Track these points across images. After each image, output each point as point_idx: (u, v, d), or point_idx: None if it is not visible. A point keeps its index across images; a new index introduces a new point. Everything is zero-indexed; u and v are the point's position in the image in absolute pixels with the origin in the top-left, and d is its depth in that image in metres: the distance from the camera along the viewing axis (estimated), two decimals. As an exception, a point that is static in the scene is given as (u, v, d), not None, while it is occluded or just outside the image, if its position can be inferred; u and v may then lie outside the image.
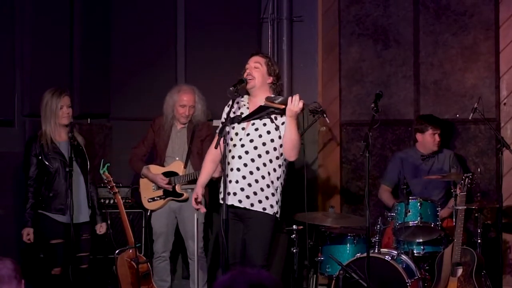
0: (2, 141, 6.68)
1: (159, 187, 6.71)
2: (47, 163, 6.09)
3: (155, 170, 6.74)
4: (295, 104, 5.27)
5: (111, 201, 6.70)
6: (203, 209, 5.62)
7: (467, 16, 7.24)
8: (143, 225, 6.96)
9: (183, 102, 6.66)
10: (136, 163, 6.82)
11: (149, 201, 6.77)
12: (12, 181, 6.59)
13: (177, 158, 6.71)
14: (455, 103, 7.27)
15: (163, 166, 6.74)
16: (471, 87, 7.23)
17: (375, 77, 7.48)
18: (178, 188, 6.69)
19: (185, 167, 6.68)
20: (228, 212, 5.35)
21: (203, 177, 5.64)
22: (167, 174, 6.71)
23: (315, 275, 6.69)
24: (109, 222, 6.37)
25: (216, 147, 5.37)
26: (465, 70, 7.25)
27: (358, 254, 6.15)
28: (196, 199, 5.57)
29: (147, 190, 6.77)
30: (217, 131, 5.58)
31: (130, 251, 6.22)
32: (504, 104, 7.14)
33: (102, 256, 6.65)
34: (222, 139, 5.27)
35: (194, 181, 6.58)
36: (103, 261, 6.67)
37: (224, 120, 5.43)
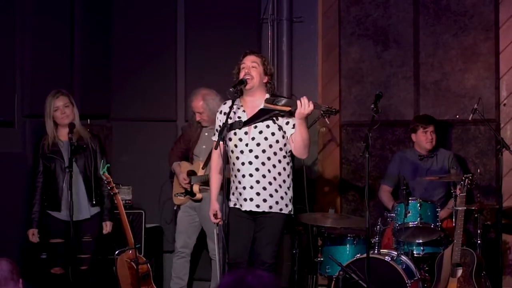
0: (2, 142, 6.68)
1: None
2: (45, 162, 6.15)
3: (185, 167, 6.90)
4: (305, 107, 5.32)
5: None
6: (221, 222, 5.61)
7: (467, 17, 7.24)
8: (143, 226, 6.98)
9: (193, 109, 6.80)
10: (170, 158, 7.00)
11: (175, 196, 6.96)
12: (12, 181, 6.59)
13: (200, 158, 6.80)
14: (455, 104, 7.27)
15: (191, 164, 6.89)
16: (471, 88, 7.23)
17: (375, 77, 7.48)
18: (194, 188, 6.80)
19: (203, 167, 6.75)
20: (240, 213, 5.47)
21: (215, 191, 5.68)
22: (191, 172, 6.85)
23: (314, 276, 6.69)
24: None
25: (216, 148, 5.40)
26: (465, 71, 7.25)
27: (358, 255, 6.15)
28: (215, 215, 5.62)
29: (176, 185, 6.97)
30: (214, 137, 5.60)
31: (130, 252, 6.22)
32: (504, 105, 7.14)
33: (101, 257, 6.65)
34: (222, 141, 5.29)
35: (207, 183, 6.63)
36: (103, 262, 6.67)
37: (224, 122, 5.42)
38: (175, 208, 7.05)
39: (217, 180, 5.66)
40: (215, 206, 5.63)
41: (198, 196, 6.79)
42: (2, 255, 3.82)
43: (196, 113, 6.78)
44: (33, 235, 6.16)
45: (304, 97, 5.37)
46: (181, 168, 6.89)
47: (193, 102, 6.77)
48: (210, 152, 6.69)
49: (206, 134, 6.80)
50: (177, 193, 6.93)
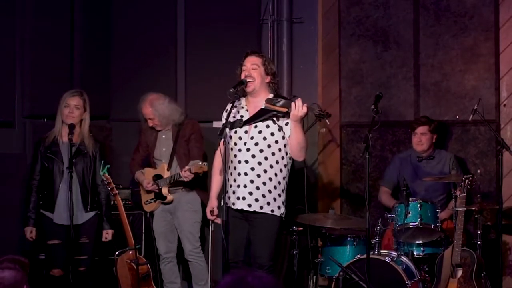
0: (2, 142, 6.68)
1: (150, 190, 6.79)
2: (44, 162, 6.13)
3: (149, 173, 6.82)
4: (299, 109, 5.30)
5: (111, 203, 6.70)
6: (218, 220, 5.58)
7: (467, 17, 7.24)
8: (143, 227, 6.97)
9: (144, 116, 6.72)
10: (132, 167, 6.92)
11: (145, 203, 6.86)
12: (12, 182, 6.59)
13: (163, 161, 6.74)
14: (455, 104, 7.27)
15: (155, 168, 6.81)
16: (471, 88, 7.23)
17: (375, 78, 7.48)
18: (164, 191, 6.73)
19: (168, 169, 6.69)
20: (234, 213, 5.44)
21: (215, 189, 5.66)
22: (157, 176, 6.77)
23: (315, 277, 6.69)
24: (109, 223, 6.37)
25: (216, 148, 5.40)
26: (465, 71, 7.25)
27: (358, 256, 6.15)
28: (211, 211, 5.60)
29: (144, 193, 6.88)
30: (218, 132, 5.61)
31: (130, 252, 6.22)
32: (504, 105, 7.13)
33: (102, 257, 6.64)
34: (222, 140, 5.28)
35: (177, 183, 6.60)
36: (103, 262, 6.67)
37: (224, 122, 5.42)
38: (147, 215, 6.92)
39: (218, 179, 5.63)
40: (213, 203, 5.61)
41: (169, 198, 6.71)
42: (1, 256, 3.81)
43: (148, 119, 6.70)
44: (31, 232, 6.13)
45: (299, 99, 5.35)
46: (145, 174, 6.81)
47: (142, 109, 6.69)
48: (171, 154, 6.68)
49: (164, 136, 6.75)
50: (147, 200, 6.82)
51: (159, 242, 6.82)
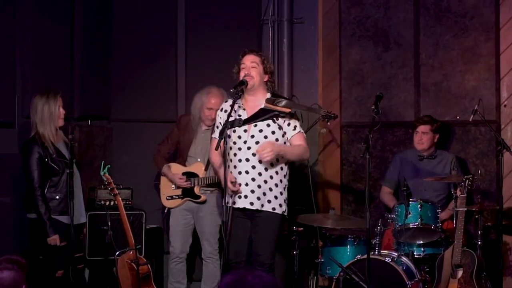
0: (2, 142, 6.67)
1: (178, 186, 6.75)
2: (54, 165, 5.94)
3: (176, 169, 6.78)
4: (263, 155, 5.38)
5: (112, 203, 6.70)
6: (237, 187, 5.48)
7: (467, 18, 7.24)
8: (144, 227, 6.97)
9: (210, 105, 6.59)
10: (158, 160, 6.87)
11: (167, 199, 6.82)
12: (12, 182, 6.58)
13: (198, 160, 6.72)
14: (456, 105, 7.27)
15: (184, 165, 6.77)
16: (472, 89, 7.23)
17: (376, 79, 7.48)
18: (196, 190, 6.71)
19: (205, 169, 6.68)
20: (236, 212, 5.46)
21: (221, 173, 5.55)
22: (188, 174, 6.74)
23: (315, 277, 6.69)
24: (109, 223, 6.35)
25: (216, 149, 5.39)
26: (466, 72, 7.25)
27: (359, 256, 6.15)
28: (233, 182, 5.46)
29: (167, 188, 6.83)
30: (214, 134, 5.60)
31: (131, 252, 6.21)
32: (505, 106, 7.13)
33: (102, 257, 6.64)
34: (222, 141, 5.27)
35: (213, 185, 6.59)
36: (103, 263, 6.66)
37: (224, 122, 5.42)
38: (165, 211, 6.92)
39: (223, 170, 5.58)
40: (229, 176, 5.43)
41: (203, 198, 6.69)
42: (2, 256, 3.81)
43: (211, 110, 6.52)
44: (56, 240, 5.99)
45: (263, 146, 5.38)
46: (172, 170, 6.77)
47: (216, 99, 6.53)
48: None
49: (202, 135, 6.71)
50: (171, 196, 6.79)
51: (175, 240, 6.82)
